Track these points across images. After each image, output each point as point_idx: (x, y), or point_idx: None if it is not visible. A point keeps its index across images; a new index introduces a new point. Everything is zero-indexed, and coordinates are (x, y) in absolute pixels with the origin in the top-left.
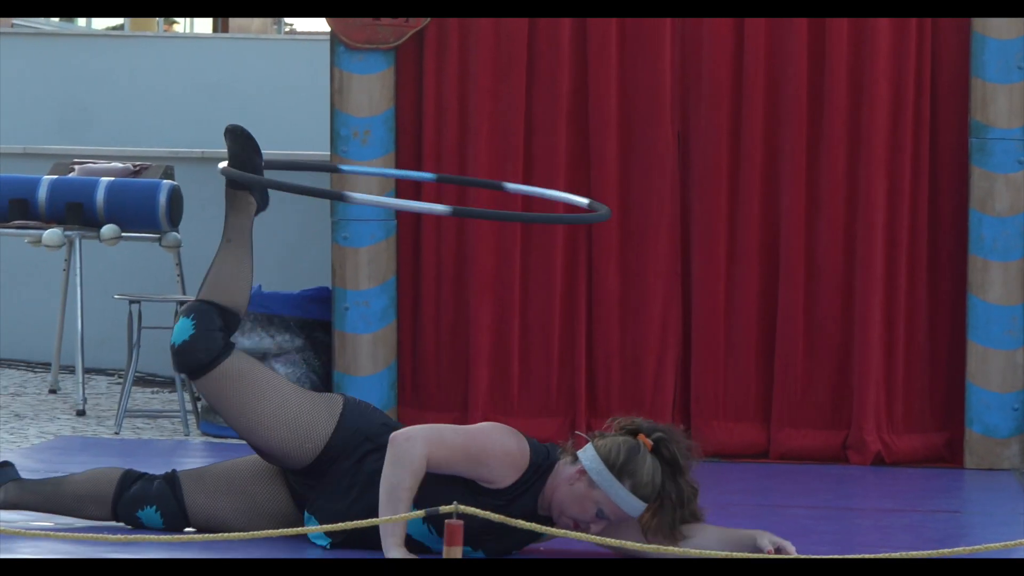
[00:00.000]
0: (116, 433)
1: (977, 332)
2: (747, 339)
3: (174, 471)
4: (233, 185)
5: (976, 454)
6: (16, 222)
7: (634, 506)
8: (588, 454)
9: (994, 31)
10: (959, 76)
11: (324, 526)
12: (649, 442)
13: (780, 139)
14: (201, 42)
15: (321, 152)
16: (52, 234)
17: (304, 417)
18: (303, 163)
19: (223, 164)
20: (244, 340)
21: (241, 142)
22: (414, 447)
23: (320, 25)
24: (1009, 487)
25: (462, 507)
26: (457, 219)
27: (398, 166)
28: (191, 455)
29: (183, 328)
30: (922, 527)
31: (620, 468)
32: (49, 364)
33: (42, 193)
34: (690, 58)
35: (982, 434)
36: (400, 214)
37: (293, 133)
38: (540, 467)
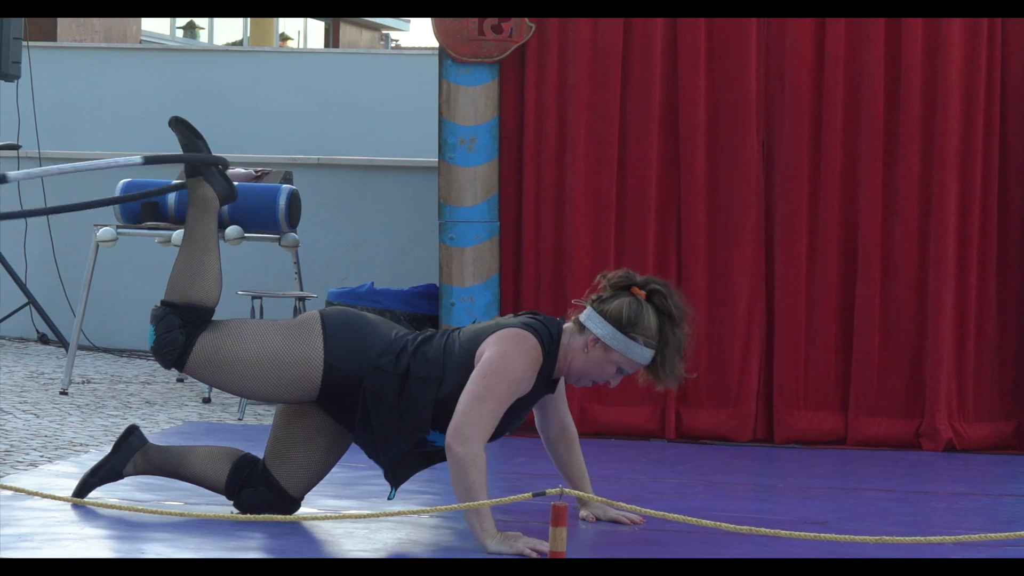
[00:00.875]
0: (239, 419)
1: None
2: (826, 333)
3: (264, 468)
4: (191, 172)
5: None
6: (147, 224)
7: (647, 356)
8: (595, 320)
9: None
10: None
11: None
12: (643, 293)
13: (858, 145)
14: (314, 57)
15: (429, 159)
16: (181, 235)
17: (286, 370)
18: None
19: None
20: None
21: (188, 131)
22: (472, 448)
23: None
24: None
25: (567, 490)
26: (557, 220)
27: (501, 172)
28: None
29: (149, 334)
30: (992, 510)
31: (629, 327)
32: None
33: (171, 197)
34: (774, 70)
35: None
36: (503, 216)
37: (399, 141)
38: (551, 349)
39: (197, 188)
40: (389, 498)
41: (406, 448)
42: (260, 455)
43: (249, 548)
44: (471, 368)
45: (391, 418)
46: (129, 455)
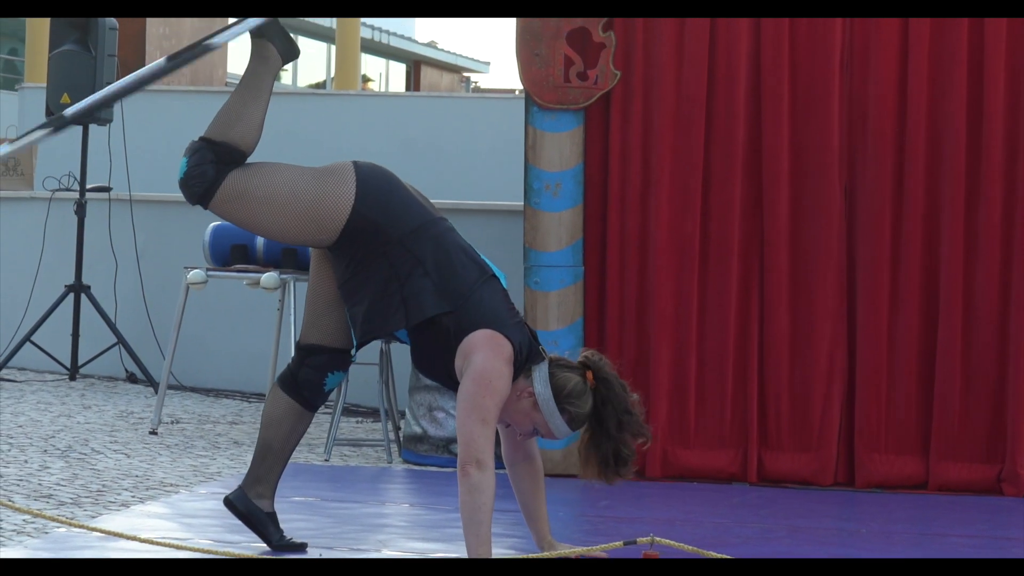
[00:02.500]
0: (325, 460)
1: None
2: (907, 377)
3: (297, 345)
4: (256, 34)
5: None
6: (236, 266)
7: (564, 431)
8: (541, 378)
9: None
10: None
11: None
12: (592, 380)
13: (940, 191)
14: (396, 100)
15: (514, 203)
16: (270, 277)
17: (313, 209)
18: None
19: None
20: None
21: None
22: (487, 474)
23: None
24: None
25: (658, 539)
26: (640, 265)
27: (586, 216)
28: (394, 482)
29: (181, 166)
30: None
31: (563, 401)
32: (263, 395)
33: (260, 240)
34: (856, 116)
35: None
36: (587, 261)
37: (482, 183)
38: (520, 365)
39: (261, 47)
40: (352, 355)
41: (390, 329)
42: (347, 496)
43: None
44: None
45: (394, 296)
46: (254, 507)
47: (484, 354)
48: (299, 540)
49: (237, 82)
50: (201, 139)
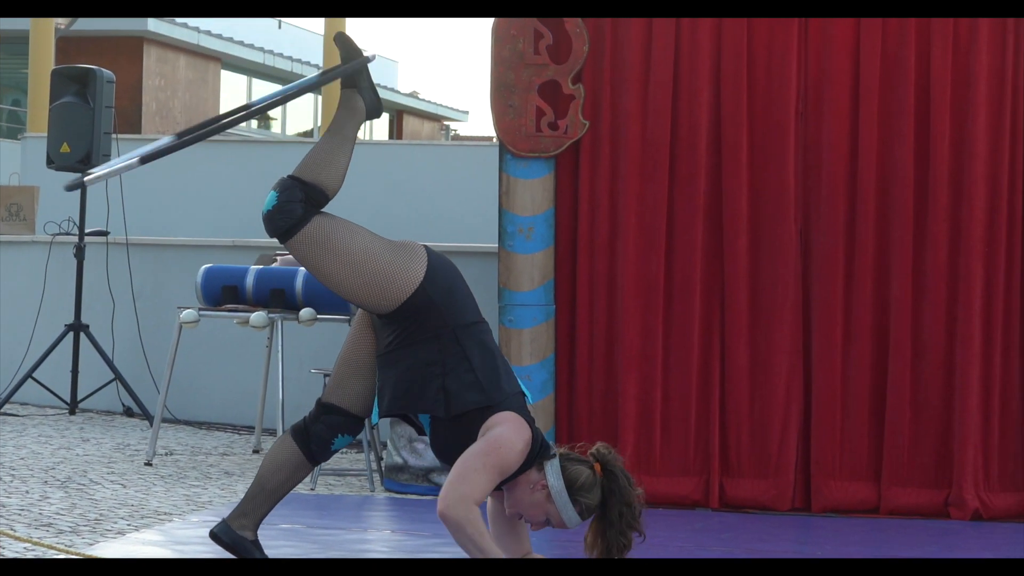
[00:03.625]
0: (312, 489)
1: None
2: (860, 408)
3: (318, 401)
4: (347, 84)
5: None
6: (227, 305)
7: (575, 521)
8: (554, 471)
9: None
10: None
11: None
12: (600, 471)
13: (889, 233)
14: (380, 147)
15: (490, 244)
16: (258, 316)
17: (383, 273)
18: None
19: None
20: None
21: (349, 47)
22: (458, 511)
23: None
24: None
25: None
26: (608, 303)
27: (557, 258)
28: (376, 510)
29: (270, 199)
30: None
31: (577, 491)
32: (253, 428)
33: (249, 280)
34: (811, 163)
35: None
36: (558, 300)
37: (459, 225)
38: (533, 457)
39: (351, 98)
40: (373, 422)
41: (421, 410)
42: (331, 523)
43: None
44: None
45: (433, 380)
46: (238, 538)
47: (506, 428)
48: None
49: (229, 132)
50: (292, 177)
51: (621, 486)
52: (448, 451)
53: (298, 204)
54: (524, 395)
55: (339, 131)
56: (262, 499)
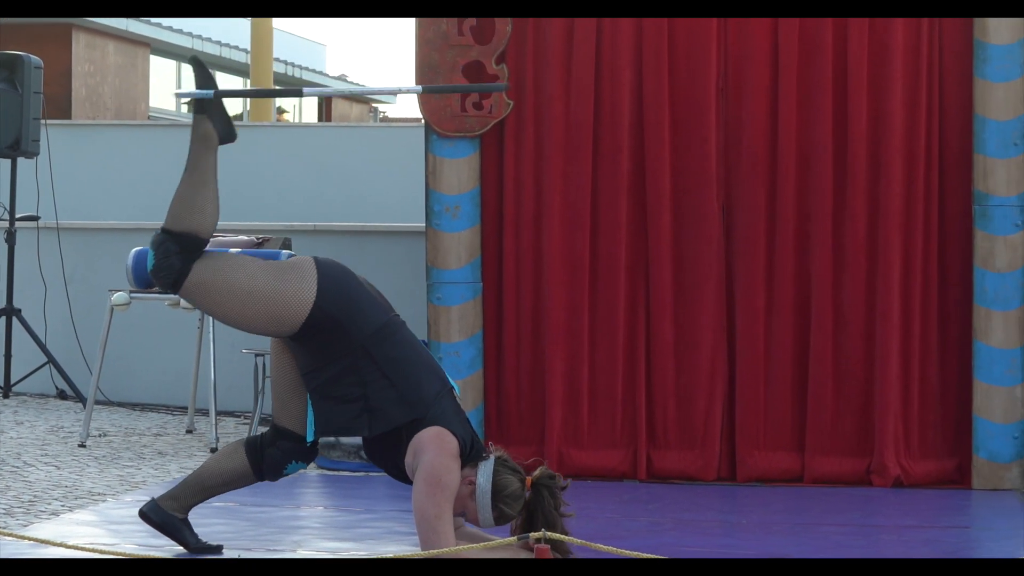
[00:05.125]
0: None
1: (982, 371)
2: (783, 380)
3: (273, 425)
4: (197, 110)
5: (982, 477)
6: (157, 289)
7: (489, 523)
8: (485, 472)
9: (993, 113)
10: (963, 152)
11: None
12: (529, 487)
13: (810, 208)
14: (309, 130)
15: (416, 224)
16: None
17: (274, 304)
18: (258, 91)
19: (181, 91)
20: None
21: (202, 72)
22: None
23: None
24: (1012, 506)
25: (549, 534)
26: (535, 280)
27: (483, 236)
28: (309, 486)
29: (149, 258)
30: (938, 542)
31: (499, 499)
32: (186, 408)
33: None
34: (732, 140)
35: (987, 459)
36: (485, 277)
37: (388, 207)
38: (464, 458)
39: (200, 124)
40: (315, 446)
41: (343, 433)
42: (265, 500)
43: None
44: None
45: (354, 403)
46: (167, 516)
47: (433, 453)
48: (215, 543)
49: (159, 116)
50: (162, 231)
51: (545, 508)
52: (384, 461)
53: (175, 257)
54: (451, 387)
55: (195, 167)
56: (197, 491)
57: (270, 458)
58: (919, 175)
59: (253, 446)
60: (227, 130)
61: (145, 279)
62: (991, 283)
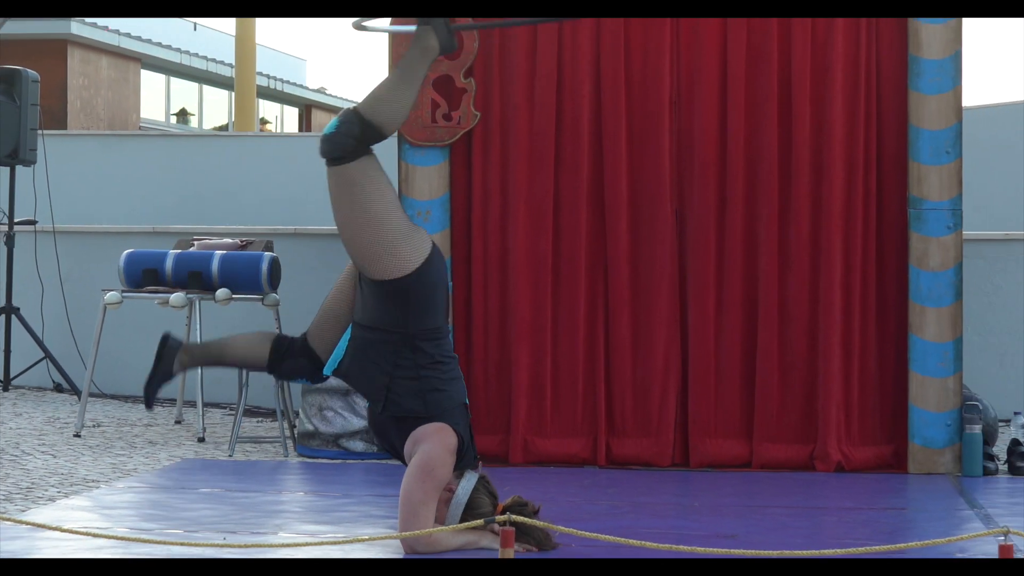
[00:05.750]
0: (230, 455)
1: (917, 364)
2: (733, 372)
3: (304, 339)
4: (423, 22)
5: (917, 462)
6: (148, 287)
7: (456, 520)
8: (466, 486)
9: (927, 123)
10: (899, 159)
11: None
12: (501, 513)
13: (757, 212)
14: (290, 140)
15: None
16: (177, 297)
17: (387, 243)
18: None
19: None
20: (333, 380)
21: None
22: (427, 542)
23: None
24: (945, 488)
25: (514, 517)
26: (501, 280)
27: (453, 239)
28: (290, 473)
29: (330, 125)
30: (876, 522)
31: (469, 515)
32: (175, 400)
33: (168, 264)
34: (684, 150)
35: (922, 445)
36: (455, 277)
37: None
38: (459, 460)
39: (425, 35)
40: (325, 374)
41: (363, 396)
42: (249, 487)
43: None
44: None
45: (382, 376)
46: (172, 358)
47: (433, 444)
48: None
49: (149, 126)
50: (354, 110)
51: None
52: (381, 432)
53: (352, 140)
54: (465, 405)
55: (406, 66)
56: (213, 358)
57: (287, 367)
58: (858, 181)
59: (279, 349)
60: (449, 42)
61: (136, 279)
62: (925, 281)
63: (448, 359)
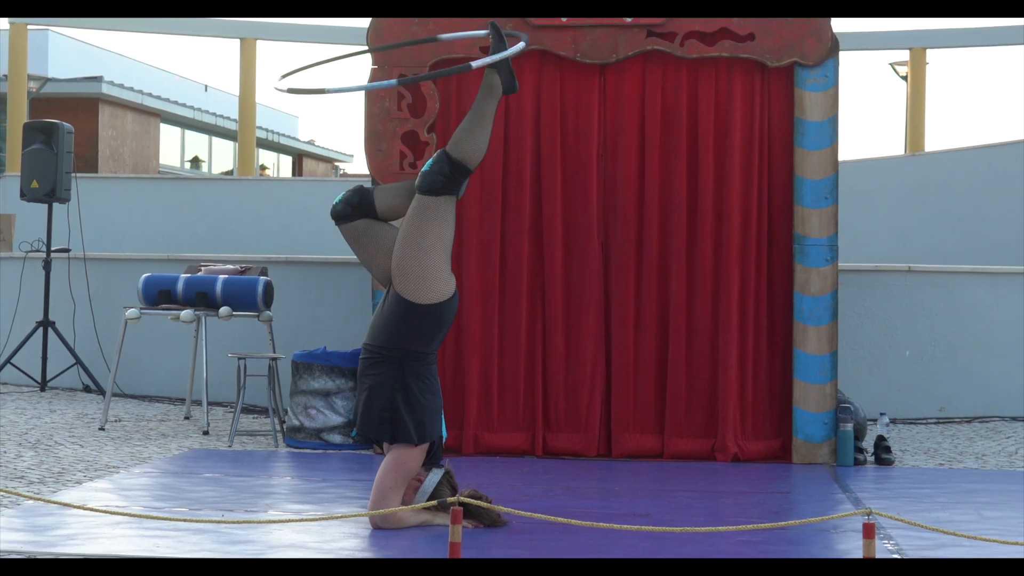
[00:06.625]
0: (229, 446)
1: (800, 372)
2: (648, 379)
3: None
4: (490, 65)
5: (800, 454)
6: (162, 305)
7: (422, 495)
8: (432, 479)
9: (809, 174)
10: (786, 204)
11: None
12: (457, 505)
13: (669, 247)
14: (284, 183)
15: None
16: (187, 314)
17: (431, 275)
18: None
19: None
20: (314, 382)
21: (497, 35)
22: (392, 519)
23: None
24: (822, 476)
25: (463, 499)
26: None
27: None
28: (279, 461)
29: (429, 163)
30: (765, 504)
31: (432, 497)
32: (184, 399)
33: (180, 286)
34: (609, 194)
35: (804, 440)
36: None
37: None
38: (425, 458)
39: (491, 76)
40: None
41: (361, 413)
42: (244, 472)
43: (237, 542)
44: None
45: (383, 391)
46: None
47: (406, 446)
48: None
49: (167, 171)
50: (443, 151)
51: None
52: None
53: (441, 178)
54: (440, 414)
55: (478, 109)
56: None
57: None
58: (752, 222)
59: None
60: (510, 84)
61: (153, 298)
62: (807, 305)
63: (434, 377)
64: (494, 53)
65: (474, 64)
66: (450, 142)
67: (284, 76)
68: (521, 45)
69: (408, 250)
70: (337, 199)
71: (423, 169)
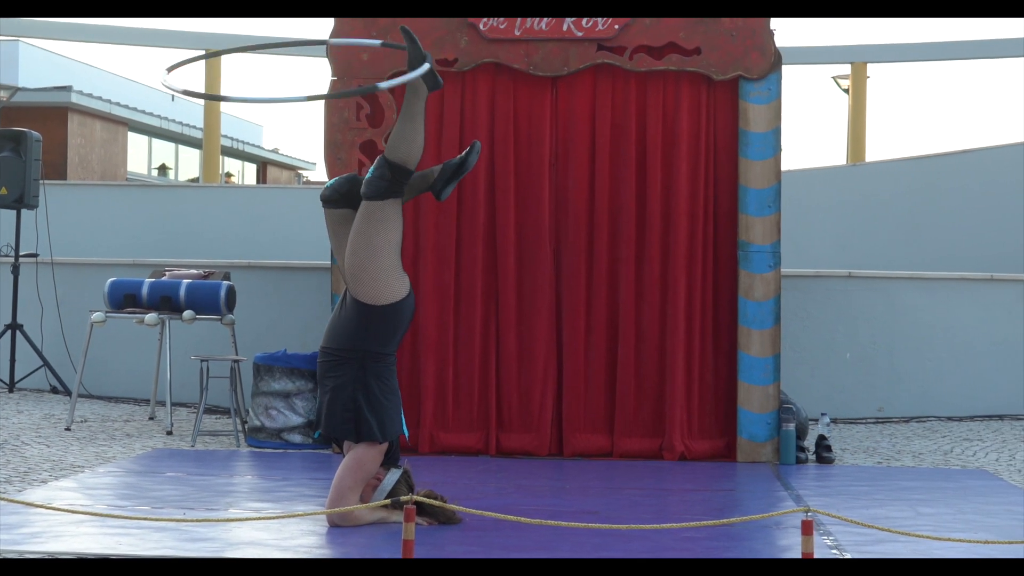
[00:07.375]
0: (192, 446)
1: (744, 374)
2: (598, 380)
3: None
4: (411, 66)
5: (744, 452)
6: (127, 309)
7: (384, 495)
8: (391, 478)
9: (753, 183)
10: (731, 212)
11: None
12: (411, 504)
13: (618, 253)
14: (248, 190)
15: (325, 262)
16: (151, 317)
17: (383, 276)
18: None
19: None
20: (275, 384)
21: (410, 40)
22: (349, 516)
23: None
24: (765, 474)
25: (416, 498)
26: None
27: None
28: (241, 461)
29: (371, 169)
30: (710, 501)
31: (390, 496)
32: (148, 400)
33: (144, 290)
34: (561, 202)
35: (748, 439)
36: None
37: (304, 248)
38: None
39: (414, 79)
40: (314, 438)
41: (324, 414)
42: (207, 471)
43: (202, 539)
44: None
45: (343, 390)
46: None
47: (367, 444)
48: None
49: (134, 178)
50: (382, 156)
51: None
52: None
53: (384, 182)
54: (400, 416)
55: (407, 110)
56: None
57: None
58: (699, 229)
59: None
60: (434, 81)
61: (118, 302)
62: (751, 309)
63: (393, 379)
64: (409, 55)
65: (380, 85)
66: (387, 147)
67: (171, 69)
68: (426, 66)
69: (358, 254)
70: (329, 183)
71: (366, 177)
